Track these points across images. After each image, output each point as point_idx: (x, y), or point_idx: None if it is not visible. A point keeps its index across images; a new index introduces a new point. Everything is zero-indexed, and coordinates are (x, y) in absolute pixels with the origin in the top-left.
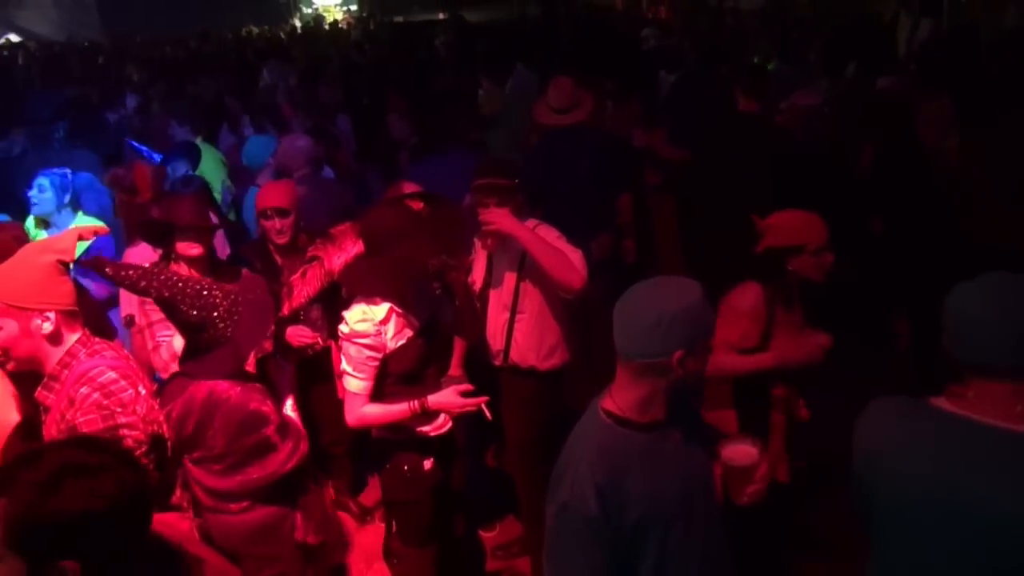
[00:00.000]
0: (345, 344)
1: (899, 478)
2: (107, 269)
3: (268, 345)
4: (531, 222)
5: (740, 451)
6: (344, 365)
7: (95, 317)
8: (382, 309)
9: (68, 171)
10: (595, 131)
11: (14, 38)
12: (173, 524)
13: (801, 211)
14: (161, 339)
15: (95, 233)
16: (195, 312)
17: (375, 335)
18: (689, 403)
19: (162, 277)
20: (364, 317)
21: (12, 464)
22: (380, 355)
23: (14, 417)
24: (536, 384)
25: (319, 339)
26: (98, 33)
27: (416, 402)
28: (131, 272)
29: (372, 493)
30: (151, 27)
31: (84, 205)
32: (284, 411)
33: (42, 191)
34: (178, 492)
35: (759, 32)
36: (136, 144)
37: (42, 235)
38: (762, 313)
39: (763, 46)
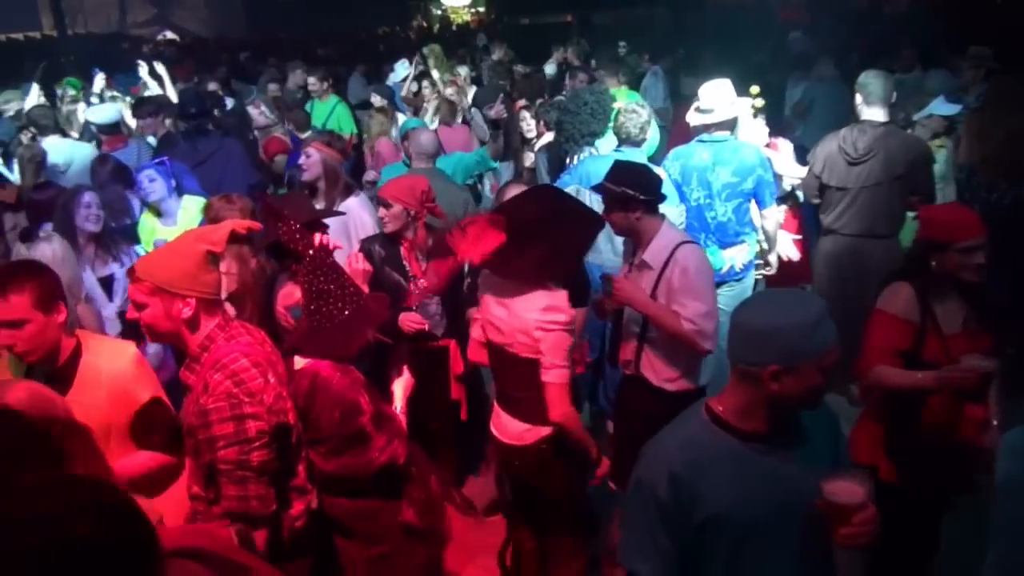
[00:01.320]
0: (545, 335)
1: None
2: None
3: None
4: (669, 236)
5: (843, 487)
6: (550, 358)
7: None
8: (563, 294)
9: (167, 159)
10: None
11: (170, 35)
12: (213, 533)
13: (956, 206)
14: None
15: (248, 229)
16: (324, 289)
17: (569, 320)
18: (825, 425)
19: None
20: (552, 303)
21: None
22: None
23: (144, 395)
24: (661, 403)
25: (428, 325)
26: (244, 31)
27: None
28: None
29: (474, 487)
30: (291, 27)
31: (185, 187)
32: (392, 406)
33: (152, 180)
34: (302, 472)
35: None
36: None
37: (154, 221)
38: (913, 313)
39: (906, 55)
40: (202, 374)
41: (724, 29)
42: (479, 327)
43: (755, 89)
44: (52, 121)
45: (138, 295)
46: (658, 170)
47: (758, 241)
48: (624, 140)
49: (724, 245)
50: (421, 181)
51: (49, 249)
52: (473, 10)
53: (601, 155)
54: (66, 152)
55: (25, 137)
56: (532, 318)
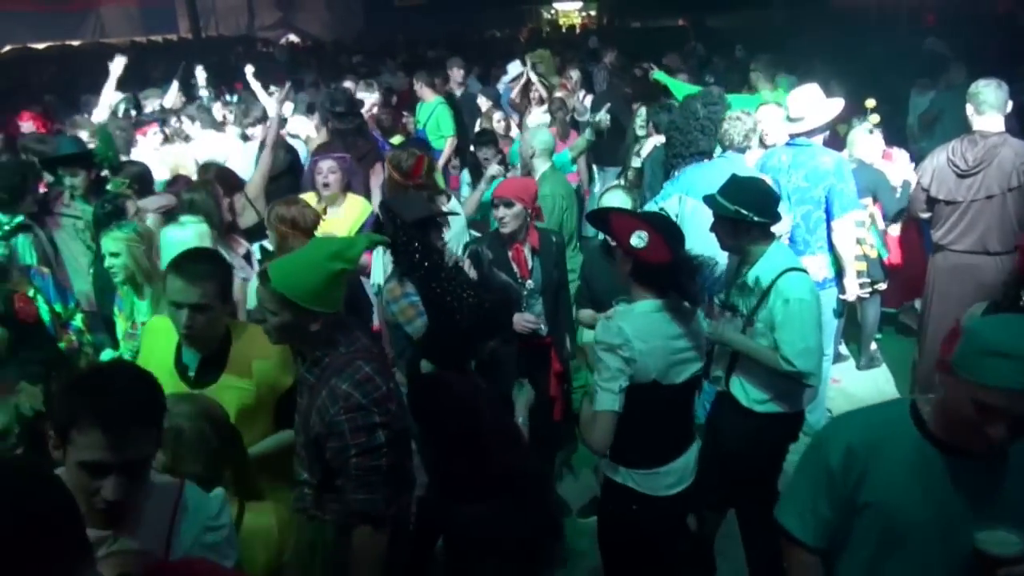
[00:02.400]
0: None
1: None
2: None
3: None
4: (776, 260)
5: (997, 537)
6: None
7: (352, 288)
8: None
9: (348, 156)
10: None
11: (292, 38)
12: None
13: None
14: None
15: (376, 245)
16: (440, 293)
17: None
18: None
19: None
20: None
21: None
22: None
23: (288, 381)
24: (749, 423)
25: (541, 324)
26: (362, 34)
27: None
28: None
29: (567, 488)
30: (407, 30)
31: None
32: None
33: (333, 172)
34: (408, 467)
35: None
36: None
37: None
38: None
39: None
40: (324, 378)
41: (843, 32)
42: None
43: (871, 103)
44: (210, 116)
45: (271, 302)
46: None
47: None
48: (728, 146)
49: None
50: (532, 182)
51: (185, 232)
52: (584, 13)
53: (704, 163)
54: (222, 147)
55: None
56: None
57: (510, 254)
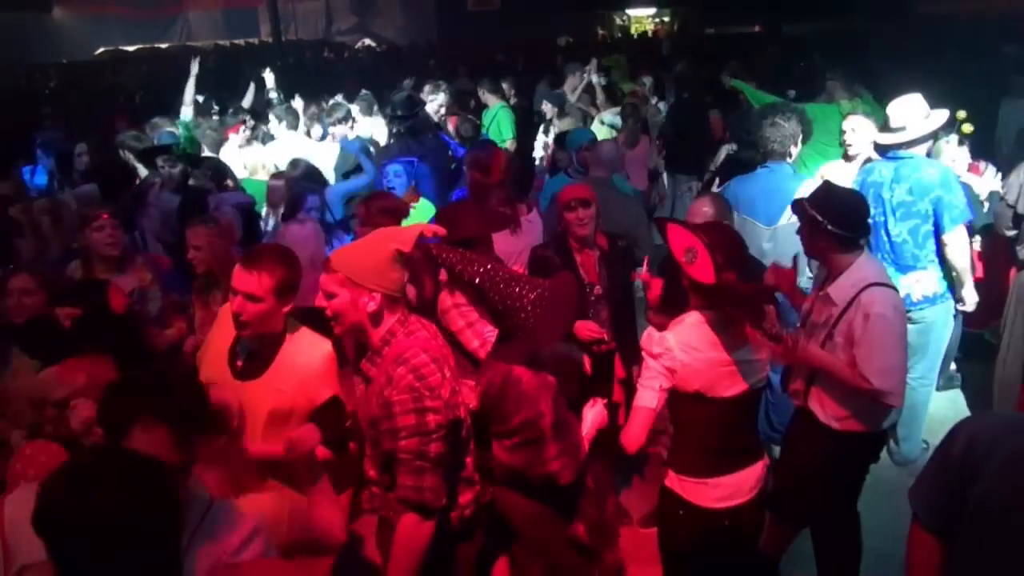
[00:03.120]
0: None
1: None
2: (432, 250)
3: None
4: (860, 274)
5: None
6: None
7: None
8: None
9: (415, 159)
10: None
11: (368, 42)
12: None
13: None
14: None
15: (434, 234)
16: (499, 300)
17: None
18: None
19: (476, 265)
20: None
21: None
22: None
23: (326, 393)
24: (827, 440)
25: (606, 335)
26: (436, 39)
27: None
28: (451, 256)
29: (629, 496)
30: (480, 35)
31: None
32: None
33: (398, 176)
34: (470, 464)
35: None
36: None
37: None
38: None
39: None
40: (383, 367)
41: (928, 39)
42: None
43: (962, 114)
44: (295, 118)
45: (330, 284)
46: None
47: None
48: (767, 153)
49: (901, 269)
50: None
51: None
52: (657, 20)
53: (748, 175)
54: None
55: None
56: None
57: (578, 258)
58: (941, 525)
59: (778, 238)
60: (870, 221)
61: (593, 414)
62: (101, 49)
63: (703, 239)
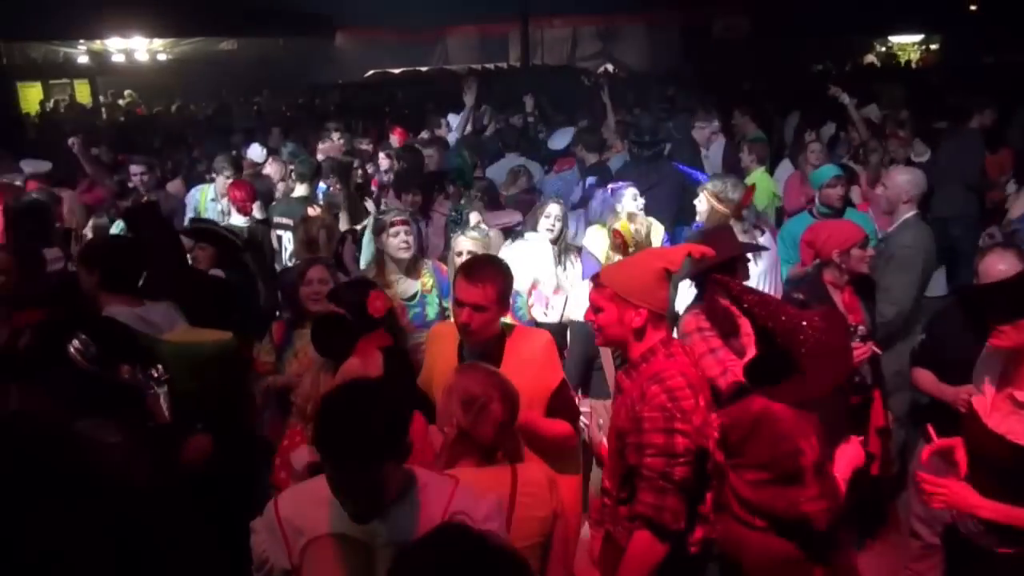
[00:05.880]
0: None
1: None
2: (732, 286)
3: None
4: None
5: None
6: None
7: None
8: None
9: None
10: None
11: (610, 67)
12: None
13: None
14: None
15: (703, 254)
16: (780, 341)
17: None
18: None
19: (771, 307)
20: None
21: None
22: None
23: (556, 378)
24: None
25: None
26: (678, 65)
27: None
28: (749, 296)
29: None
30: (726, 63)
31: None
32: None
33: (635, 199)
34: (709, 500)
35: None
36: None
37: None
38: None
39: None
40: (639, 382)
41: None
42: None
43: None
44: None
45: (598, 299)
46: None
47: None
48: None
49: None
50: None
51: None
52: (923, 47)
53: None
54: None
55: None
56: None
57: (841, 297)
58: None
59: None
60: None
61: (850, 453)
62: (371, 72)
63: None
